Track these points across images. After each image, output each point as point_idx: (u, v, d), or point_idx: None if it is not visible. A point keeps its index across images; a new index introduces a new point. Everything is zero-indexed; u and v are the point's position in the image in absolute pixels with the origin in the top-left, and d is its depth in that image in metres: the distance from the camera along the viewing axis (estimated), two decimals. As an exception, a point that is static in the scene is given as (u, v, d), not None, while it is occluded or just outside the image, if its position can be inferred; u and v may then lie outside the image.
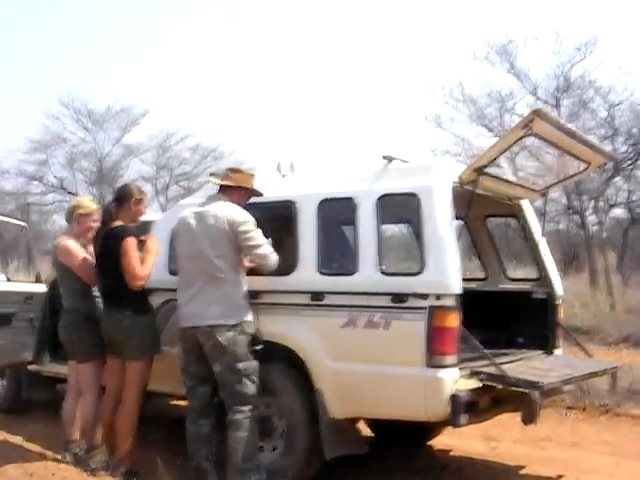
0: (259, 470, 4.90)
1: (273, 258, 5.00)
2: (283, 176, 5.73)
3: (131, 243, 5.17)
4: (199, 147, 34.90)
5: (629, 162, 19.74)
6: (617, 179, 20.74)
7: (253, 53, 68.60)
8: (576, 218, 21.56)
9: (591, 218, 21.38)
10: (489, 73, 35.41)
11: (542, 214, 6.21)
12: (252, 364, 4.95)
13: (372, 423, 6.30)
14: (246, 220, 4.95)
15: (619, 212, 24.49)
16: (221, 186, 5.22)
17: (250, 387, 4.92)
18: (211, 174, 6.23)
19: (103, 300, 5.48)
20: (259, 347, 4.99)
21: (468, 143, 22.12)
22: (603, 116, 19.82)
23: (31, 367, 7.07)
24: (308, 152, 39.71)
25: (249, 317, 4.99)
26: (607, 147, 18.08)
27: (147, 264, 5.23)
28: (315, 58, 71.29)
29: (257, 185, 5.30)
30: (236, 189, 5.18)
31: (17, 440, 6.30)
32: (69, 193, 31.74)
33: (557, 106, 20.23)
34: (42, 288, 7.08)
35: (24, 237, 8.12)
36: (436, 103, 33.75)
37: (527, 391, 4.47)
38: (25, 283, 7.53)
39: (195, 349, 5.02)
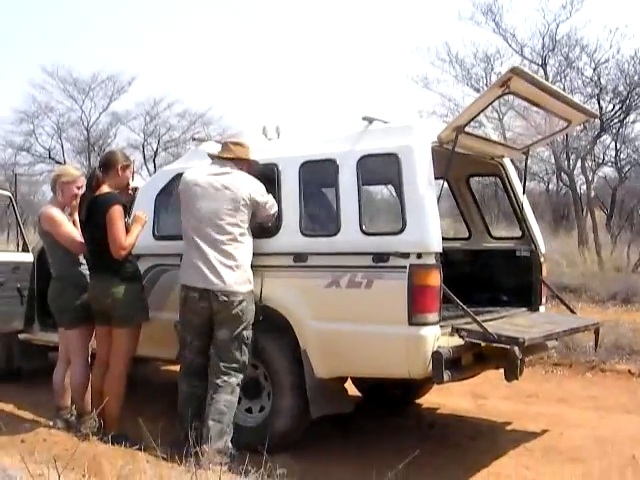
0: (231, 429, 4.95)
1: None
2: (269, 139, 5.75)
3: (118, 211, 5.15)
4: (187, 113, 34.86)
5: (616, 120, 19.72)
6: (604, 137, 20.75)
7: (239, 17, 68.01)
8: (565, 178, 21.58)
9: (580, 178, 21.44)
10: (475, 33, 35.38)
11: (523, 172, 6.22)
12: (250, 332, 5.01)
13: (360, 382, 6.37)
14: (263, 187, 5.07)
15: (608, 171, 24.56)
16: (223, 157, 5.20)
17: (245, 354, 4.99)
18: (193, 138, 6.28)
19: (90, 267, 5.49)
20: (261, 317, 5.08)
21: (455, 104, 22.10)
22: (589, 75, 19.77)
23: (22, 336, 7.12)
24: (296, 115, 39.58)
25: (253, 286, 5.06)
26: (594, 106, 18.07)
27: (132, 234, 5.24)
28: (301, 20, 70.72)
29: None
30: (239, 160, 5.19)
31: (8, 408, 6.34)
32: (57, 163, 31.64)
33: (544, 65, 20.17)
34: (29, 257, 7.11)
35: (12, 207, 8.07)
36: (422, 64, 33.70)
37: (508, 347, 4.52)
38: (12, 253, 7.54)
39: (198, 313, 5.00)
